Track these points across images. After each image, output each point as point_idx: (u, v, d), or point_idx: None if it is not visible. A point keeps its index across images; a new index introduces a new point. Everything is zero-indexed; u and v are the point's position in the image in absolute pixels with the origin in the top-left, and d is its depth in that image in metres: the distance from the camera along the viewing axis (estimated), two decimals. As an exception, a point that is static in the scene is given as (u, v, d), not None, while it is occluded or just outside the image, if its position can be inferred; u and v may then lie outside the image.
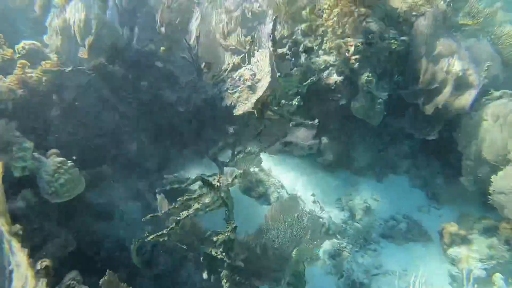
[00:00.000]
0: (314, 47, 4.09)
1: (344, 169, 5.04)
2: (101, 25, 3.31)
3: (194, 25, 3.26)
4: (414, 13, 4.25)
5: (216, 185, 2.87)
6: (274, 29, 3.08)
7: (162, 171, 3.99)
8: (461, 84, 3.84)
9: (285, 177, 5.00)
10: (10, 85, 3.16)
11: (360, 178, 4.97)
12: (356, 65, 3.83)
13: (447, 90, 3.71)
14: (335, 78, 3.96)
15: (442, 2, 4.19)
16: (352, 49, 3.81)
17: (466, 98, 3.74)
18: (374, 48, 3.81)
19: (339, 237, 4.34)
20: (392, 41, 3.85)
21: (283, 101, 3.23)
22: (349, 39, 3.86)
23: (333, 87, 4.03)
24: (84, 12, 3.30)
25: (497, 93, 5.09)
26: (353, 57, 3.81)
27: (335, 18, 3.89)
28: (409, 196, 4.76)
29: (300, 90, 3.61)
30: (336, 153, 4.94)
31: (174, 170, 4.04)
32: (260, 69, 3.17)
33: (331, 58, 4.02)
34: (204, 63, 3.38)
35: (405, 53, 4.04)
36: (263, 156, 4.79)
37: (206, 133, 3.67)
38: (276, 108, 3.30)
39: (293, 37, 3.86)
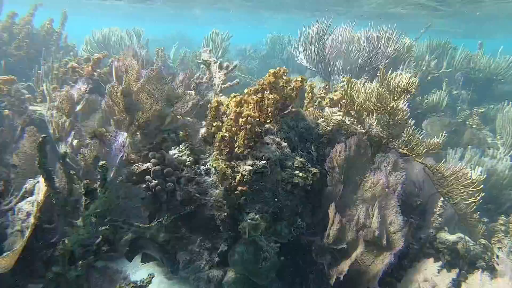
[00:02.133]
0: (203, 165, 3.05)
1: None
2: None
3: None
4: (344, 132, 3.30)
5: None
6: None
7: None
8: (379, 246, 2.73)
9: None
10: None
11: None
12: (242, 200, 2.74)
13: (354, 255, 2.57)
14: (216, 212, 2.86)
15: (375, 125, 3.23)
16: (238, 177, 2.74)
17: (374, 270, 2.60)
18: (268, 179, 2.75)
19: None
20: (296, 172, 2.80)
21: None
22: (238, 163, 2.81)
23: (217, 223, 2.91)
24: None
25: (452, 238, 4.02)
26: (239, 188, 2.73)
27: (227, 132, 2.89)
28: None
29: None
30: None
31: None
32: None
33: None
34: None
35: (319, 188, 2.99)
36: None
37: None
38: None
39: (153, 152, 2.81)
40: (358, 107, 3.10)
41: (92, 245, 2.49)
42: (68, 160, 2.31)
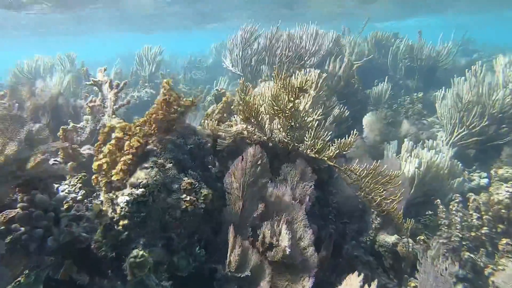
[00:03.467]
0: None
1: None
2: None
3: None
4: (248, 141, 2.99)
5: None
6: None
7: None
8: (288, 266, 2.40)
9: None
10: None
11: None
12: (124, 235, 2.38)
13: (265, 284, 2.24)
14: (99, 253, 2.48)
15: (279, 131, 2.94)
16: (118, 209, 2.39)
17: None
18: (151, 208, 2.40)
19: None
20: (183, 196, 2.46)
21: None
22: (117, 194, 2.46)
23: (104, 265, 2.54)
24: None
25: (391, 239, 3.80)
26: (120, 223, 2.38)
27: (105, 158, 2.54)
28: None
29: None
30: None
31: None
32: None
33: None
34: None
35: (219, 208, 2.66)
36: None
37: None
38: None
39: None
40: (255, 112, 2.80)
41: None
42: None
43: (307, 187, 2.68)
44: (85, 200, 2.95)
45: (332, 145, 2.87)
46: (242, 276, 2.33)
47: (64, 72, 7.05)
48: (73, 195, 2.94)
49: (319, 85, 3.18)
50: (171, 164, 2.54)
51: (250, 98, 2.81)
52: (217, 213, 2.68)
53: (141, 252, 2.31)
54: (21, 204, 2.47)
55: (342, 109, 5.00)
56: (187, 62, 11.87)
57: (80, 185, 3.01)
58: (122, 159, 2.47)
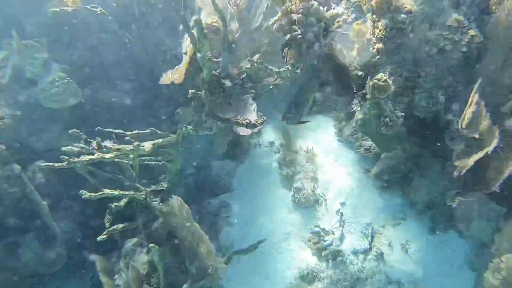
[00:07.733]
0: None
1: (398, 193, 3.60)
2: None
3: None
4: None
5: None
6: None
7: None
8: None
9: (327, 169, 4.02)
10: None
11: (410, 216, 3.48)
12: (376, 58, 2.51)
13: (485, 151, 2.02)
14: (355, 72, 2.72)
15: None
16: (377, 32, 2.48)
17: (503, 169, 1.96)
18: (407, 38, 2.35)
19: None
20: (446, 34, 2.25)
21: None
22: (379, 18, 2.50)
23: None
24: None
25: None
26: (376, 45, 2.49)
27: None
28: (452, 274, 3.11)
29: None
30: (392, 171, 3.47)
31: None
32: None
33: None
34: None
35: (473, 59, 2.32)
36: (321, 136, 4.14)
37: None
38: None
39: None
40: None
41: (238, 79, 3.00)
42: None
43: None
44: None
45: None
46: (470, 136, 2.15)
47: None
48: (345, 17, 3.16)
49: None
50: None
51: None
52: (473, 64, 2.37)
53: (385, 77, 2.42)
54: (301, 10, 2.90)
55: None
56: None
57: (353, 8, 3.18)
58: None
